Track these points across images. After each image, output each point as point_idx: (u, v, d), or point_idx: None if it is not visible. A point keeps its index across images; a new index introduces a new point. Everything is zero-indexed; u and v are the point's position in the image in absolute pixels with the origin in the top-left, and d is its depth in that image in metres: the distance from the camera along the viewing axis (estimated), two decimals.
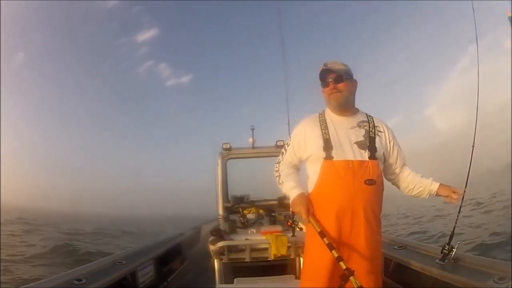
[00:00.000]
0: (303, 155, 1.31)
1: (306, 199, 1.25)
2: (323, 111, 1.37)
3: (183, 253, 2.52)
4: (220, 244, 1.45)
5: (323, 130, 1.28)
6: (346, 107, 1.31)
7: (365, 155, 1.22)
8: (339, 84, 1.27)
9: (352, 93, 1.33)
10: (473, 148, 1.54)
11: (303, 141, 1.32)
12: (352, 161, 1.20)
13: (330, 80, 1.27)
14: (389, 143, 1.32)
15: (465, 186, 1.45)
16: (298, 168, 1.38)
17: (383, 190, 1.28)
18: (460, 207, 1.50)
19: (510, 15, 1.69)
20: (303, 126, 1.36)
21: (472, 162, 1.53)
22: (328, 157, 1.22)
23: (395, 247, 1.79)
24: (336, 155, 1.23)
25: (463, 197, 1.49)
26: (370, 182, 1.18)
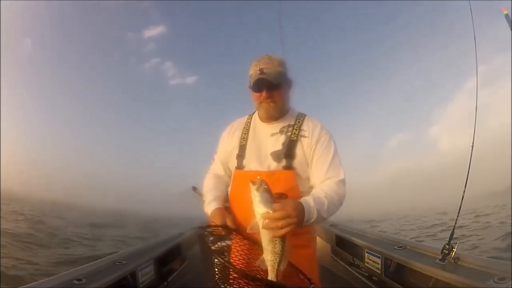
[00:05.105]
0: (230, 164, 1.20)
1: (221, 214, 1.10)
2: (253, 113, 1.24)
3: (183, 253, 2.52)
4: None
5: (243, 136, 1.17)
6: (276, 115, 1.16)
7: (279, 165, 1.09)
8: (273, 92, 1.09)
9: (286, 98, 1.17)
10: (472, 148, 1.55)
11: (228, 147, 1.20)
12: (261, 172, 1.08)
13: (263, 89, 1.08)
14: (311, 149, 1.11)
15: (465, 186, 1.46)
16: (225, 177, 1.25)
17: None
18: (460, 207, 1.50)
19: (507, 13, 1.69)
20: (229, 130, 1.25)
21: (471, 164, 1.54)
22: (240, 166, 1.13)
23: (395, 247, 1.79)
24: (248, 165, 1.11)
25: (462, 197, 1.50)
26: (279, 196, 1.02)
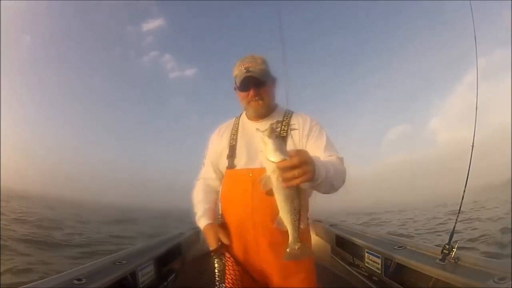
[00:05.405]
0: (220, 165, 1.20)
1: (213, 230, 1.13)
2: (240, 115, 1.26)
3: (183, 253, 2.52)
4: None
5: (232, 137, 1.18)
6: (265, 113, 1.16)
7: None
8: (260, 89, 1.11)
9: (273, 95, 1.19)
10: (472, 148, 1.55)
11: (218, 149, 1.20)
12: (253, 169, 1.07)
13: (251, 87, 1.10)
14: (303, 139, 1.12)
15: (465, 186, 1.46)
16: (216, 181, 1.25)
17: None
18: (460, 207, 1.50)
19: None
20: (217, 133, 1.26)
21: (471, 163, 1.53)
22: (230, 166, 1.13)
23: (395, 247, 1.79)
24: (239, 164, 1.11)
25: (462, 197, 1.50)
26: (272, 192, 0.99)
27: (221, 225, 1.17)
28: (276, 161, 0.76)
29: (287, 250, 0.86)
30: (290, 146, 1.11)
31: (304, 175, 0.75)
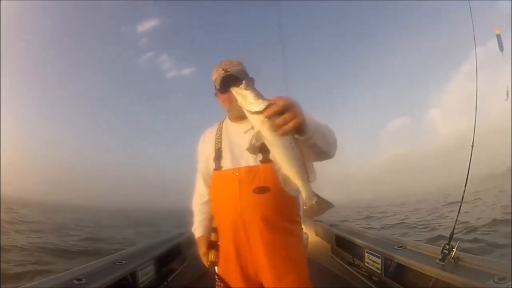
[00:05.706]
0: (210, 171, 1.20)
1: (202, 244, 1.20)
2: (223, 119, 1.27)
3: (183, 253, 2.52)
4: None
5: (217, 140, 1.19)
6: None
7: (256, 160, 1.05)
8: None
9: None
10: (472, 148, 1.55)
11: (205, 154, 1.21)
12: (239, 168, 1.07)
13: (231, 85, 1.13)
14: None
15: (465, 186, 1.46)
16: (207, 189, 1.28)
17: (287, 195, 0.92)
18: (460, 207, 1.50)
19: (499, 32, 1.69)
20: (202, 139, 1.28)
21: (471, 162, 1.54)
22: (217, 167, 1.14)
23: (395, 247, 1.79)
24: (226, 164, 1.11)
25: (462, 196, 1.50)
26: (260, 190, 1.01)
27: (210, 243, 1.19)
28: (261, 110, 0.68)
29: (304, 208, 0.75)
30: None
31: (295, 118, 0.68)
